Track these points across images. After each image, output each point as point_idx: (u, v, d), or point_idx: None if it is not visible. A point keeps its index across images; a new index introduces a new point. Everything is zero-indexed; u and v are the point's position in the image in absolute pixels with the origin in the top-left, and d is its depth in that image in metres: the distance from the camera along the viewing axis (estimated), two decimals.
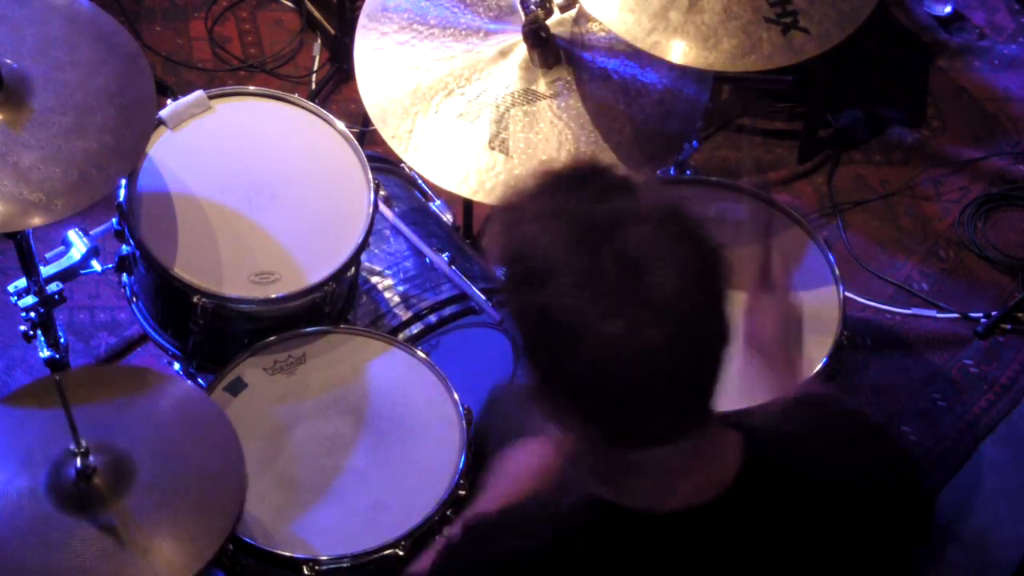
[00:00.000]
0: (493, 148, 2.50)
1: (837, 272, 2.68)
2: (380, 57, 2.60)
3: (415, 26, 2.62)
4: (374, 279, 2.68)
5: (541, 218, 1.41)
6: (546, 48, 2.57)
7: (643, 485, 1.48)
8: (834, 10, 2.38)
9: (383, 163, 2.87)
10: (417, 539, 2.22)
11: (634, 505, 1.48)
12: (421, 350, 2.47)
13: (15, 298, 2.57)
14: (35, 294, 2.54)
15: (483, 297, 2.61)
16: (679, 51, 2.36)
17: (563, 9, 2.59)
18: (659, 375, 1.39)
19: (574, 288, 1.36)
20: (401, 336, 2.53)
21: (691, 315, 1.37)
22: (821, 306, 2.64)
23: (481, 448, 2.36)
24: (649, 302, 1.35)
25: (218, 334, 2.44)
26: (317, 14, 3.74)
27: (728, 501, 1.48)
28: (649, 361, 1.37)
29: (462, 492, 2.28)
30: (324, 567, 2.18)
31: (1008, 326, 3.38)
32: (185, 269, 2.39)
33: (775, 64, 2.37)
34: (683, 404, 1.43)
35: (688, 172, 3.03)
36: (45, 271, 2.56)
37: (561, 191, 1.43)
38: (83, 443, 1.99)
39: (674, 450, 1.45)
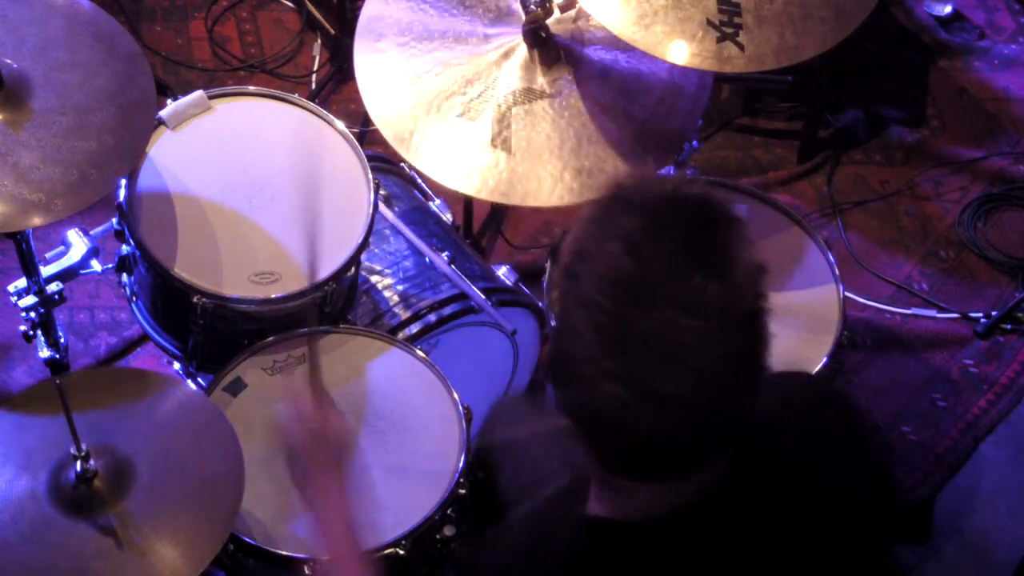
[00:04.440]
0: (496, 146, 2.50)
1: (837, 272, 2.68)
2: (380, 58, 2.60)
3: (415, 27, 2.62)
4: (374, 278, 2.68)
5: (618, 231, 1.33)
6: (546, 47, 2.57)
7: (634, 504, 1.45)
8: (778, 40, 2.35)
9: (383, 163, 2.86)
10: (417, 539, 2.22)
11: (624, 519, 1.46)
12: (421, 349, 2.47)
13: (15, 298, 2.57)
14: (35, 294, 2.54)
15: (483, 296, 2.61)
16: (612, 17, 2.35)
17: (563, 9, 2.59)
18: (644, 448, 1.36)
19: (594, 327, 1.31)
20: (400, 335, 2.53)
21: (692, 415, 1.33)
22: (821, 306, 2.64)
23: (483, 460, 2.36)
24: (654, 389, 1.30)
25: (218, 334, 2.44)
26: (317, 14, 3.74)
27: (715, 500, 1.46)
28: (635, 433, 1.33)
29: (462, 492, 2.28)
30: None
31: (1008, 326, 3.38)
32: (185, 269, 2.39)
33: (691, 65, 2.35)
34: (668, 473, 1.41)
35: (688, 172, 3.03)
36: (45, 271, 2.56)
37: (660, 219, 1.33)
38: (83, 446, 1.99)
39: (661, 487, 1.43)
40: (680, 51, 2.34)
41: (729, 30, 2.33)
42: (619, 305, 1.30)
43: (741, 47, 2.33)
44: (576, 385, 1.34)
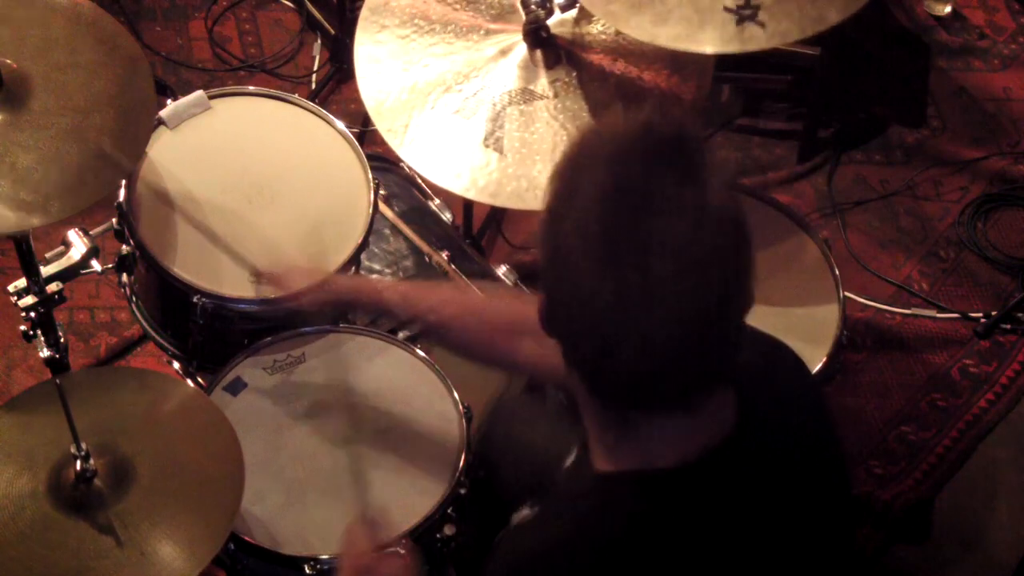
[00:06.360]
0: (488, 146, 2.50)
1: (837, 272, 2.68)
2: (380, 51, 2.60)
3: (416, 21, 2.62)
4: (373, 278, 2.68)
5: (603, 163, 1.39)
6: (546, 48, 2.57)
7: (640, 447, 1.48)
8: (799, 13, 2.33)
9: (383, 162, 2.87)
10: (417, 539, 2.22)
11: (633, 466, 1.48)
12: (420, 349, 2.47)
13: (15, 298, 2.57)
14: (35, 294, 2.54)
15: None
16: (634, 25, 2.35)
17: (563, 9, 2.59)
18: (655, 369, 1.39)
19: (591, 256, 1.37)
20: (400, 335, 2.53)
21: (698, 323, 1.37)
22: (821, 306, 2.64)
23: (484, 459, 2.36)
24: (651, 296, 1.35)
25: (218, 334, 2.44)
26: (317, 14, 3.74)
27: (724, 455, 1.49)
28: (647, 353, 1.37)
29: (462, 491, 2.28)
30: (325, 566, 2.18)
31: (1008, 326, 3.38)
32: (185, 269, 2.39)
33: (712, 50, 2.32)
34: (664, 390, 1.44)
35: None
36: (45, 271, 2.56)
37: (637, 147, 1.39)
38: (83, 445, 2.00)
39: (666, 419, 1.46)
40: (703, 40, 2.33)
41: (747, 12, 2.32)
42: (612, 229, 1.36)
43: (762, 25, 2.32)
44: (585, 320, 1.38)
